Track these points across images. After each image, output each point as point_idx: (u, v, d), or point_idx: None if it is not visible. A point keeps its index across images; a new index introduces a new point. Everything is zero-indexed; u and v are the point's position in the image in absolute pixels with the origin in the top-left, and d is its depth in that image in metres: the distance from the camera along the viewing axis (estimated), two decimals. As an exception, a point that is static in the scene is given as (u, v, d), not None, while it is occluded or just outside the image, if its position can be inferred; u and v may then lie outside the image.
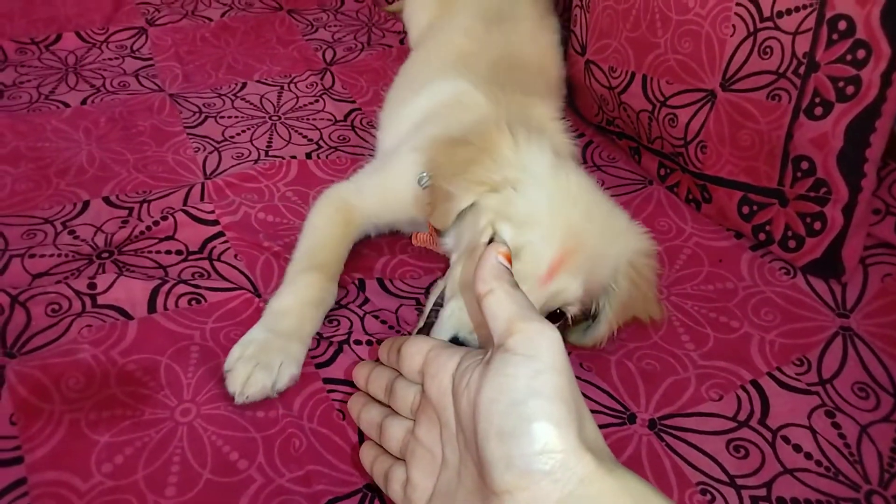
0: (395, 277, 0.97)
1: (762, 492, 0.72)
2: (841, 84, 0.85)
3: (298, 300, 0.84)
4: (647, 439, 0.76)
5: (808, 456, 0.75)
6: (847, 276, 0.91)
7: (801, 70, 0.87)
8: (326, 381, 0.81)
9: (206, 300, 0.87)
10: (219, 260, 0.95)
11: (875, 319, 0.88)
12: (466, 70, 1.00)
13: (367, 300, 0.93)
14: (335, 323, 0.88)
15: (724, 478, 0.73)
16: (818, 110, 0.87)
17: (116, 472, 0.69)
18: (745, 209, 0.96)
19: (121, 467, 0.69)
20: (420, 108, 1.00)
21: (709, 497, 0.71)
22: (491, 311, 0.50)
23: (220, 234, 0.98)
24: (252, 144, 1.17)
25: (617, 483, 0.44)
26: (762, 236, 0.96)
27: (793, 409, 0.79)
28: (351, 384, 0.80)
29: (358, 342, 0.86)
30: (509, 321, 0.48)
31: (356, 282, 0.95)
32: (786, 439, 0.77)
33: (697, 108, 0.97)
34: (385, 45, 1.45)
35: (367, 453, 0.63)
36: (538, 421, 0.44)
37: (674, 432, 0.77)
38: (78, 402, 0.74)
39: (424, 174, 0.84)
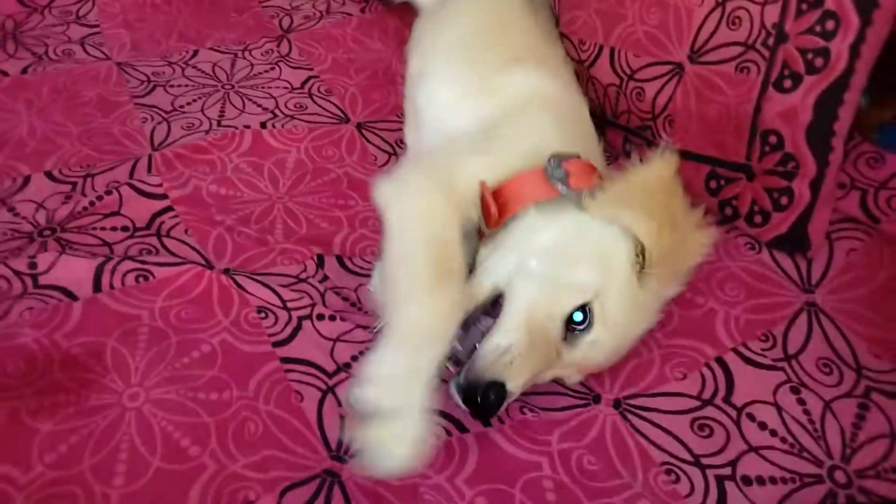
0: (354, 254, 0.93)
1: (727, 471, 0.71)
2: (810, 56, 0.83)
3: (436, 316, 0.69)
4: (611, 419, 0.75)
5: (773, 433, 0.75)
6: (813, 251, 0.90)
7: (770, 41, 0.85)
8: (284, 360, 0.77)
9: (154, 276, 0.83)
10: (168, 236, 0.91)
11: (840, 295, 0.88)
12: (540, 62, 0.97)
13: (326, 277, 0.90)
14: (295, 294, 0.85)
15: (689, 457, 0.73)
16: (787, 83, 0.85)
17: (60, 462, 0.65)
18: (713, 184, 0.95)
19: (65, 457, 0.66)
20: (500, 100, 0.91)
21: (673, 477, 0.71)
22: None
23: (169, 208, 0.94)
24: (203, 114, 1.12)
25: None
26: (728, 211, 0.95)
27: (758, 386, 0.79)
28: (311, 364, 0.78)
29: (321, 317, 0.83)
30: None
31: (315, 257, 0.91)
32: (751, 417, 0.76)
33: (665, 82, 0.95)
34: (345, 14, 1.40)
35: None
36: None
37: (638, 412, 0.76)
38: (18, 390, 0.70)
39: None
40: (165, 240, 0.90)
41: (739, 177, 0.92)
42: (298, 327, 0.81)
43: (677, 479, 0.70)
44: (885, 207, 0.92)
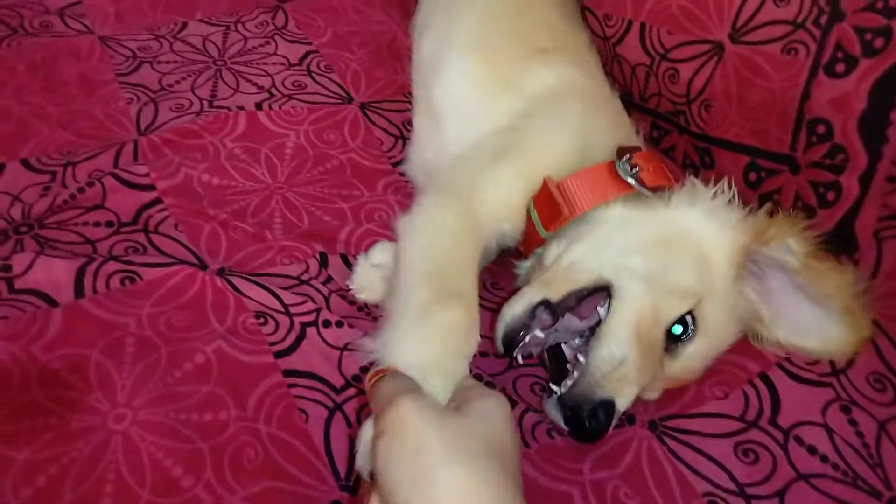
0: (361, 252, 0.86)
1: (774, 502, 0.65)
2: (868, 36, 0.75)
3: (437, 352, 0.61)
4: (647, 443, 0.69)
5: (824, 458, 0.68)
6: (860, 252, 0.83)
7: (823, 20, 0.77)
8: (287, 373, 0.71)
9: (141, 278, 0.75)
10: (156, 232, 0.83)
11: (891, 301, 0.80)
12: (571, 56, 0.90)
13: (330, 278, 0.83)
14: (297, 298, 0.77)
15: (733, 486, 0.66)
16: (840, 67, 0.77)
17: (38, 497, 0.58)
18: (752, 176, 0.87)
19: (44, 490, 0.59)
20: (525, 98, 0.84)
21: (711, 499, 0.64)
22: None
23: (157, 200, 0.86)
24: (194, 94, 1.02)
25: None
26: (771, 206, 0.87)
27: (805, 405, 0.72)
28: (317, 377, 0.71)
29: (326, 323, 0.76)
30: None
31: (317, 255, 0.84)
32: (799, 440, 0.70)
33: (703, 63, 0.86)
34: (345, -20, 1.30)
35: None
36: None
37: (676, 435, 0.70)
38: (-10, 412, 0.63)
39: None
40: (153, 236, 0.82)
41: (782, 169, 0.84)
42: (302, 335, 0.74)
43: (721, 509, 0.64)
44: (941, 204, 0.84)
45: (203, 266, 0.79)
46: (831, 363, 0.75)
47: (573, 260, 0.70)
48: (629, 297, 0.66)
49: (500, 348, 0.69)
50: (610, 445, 0.68)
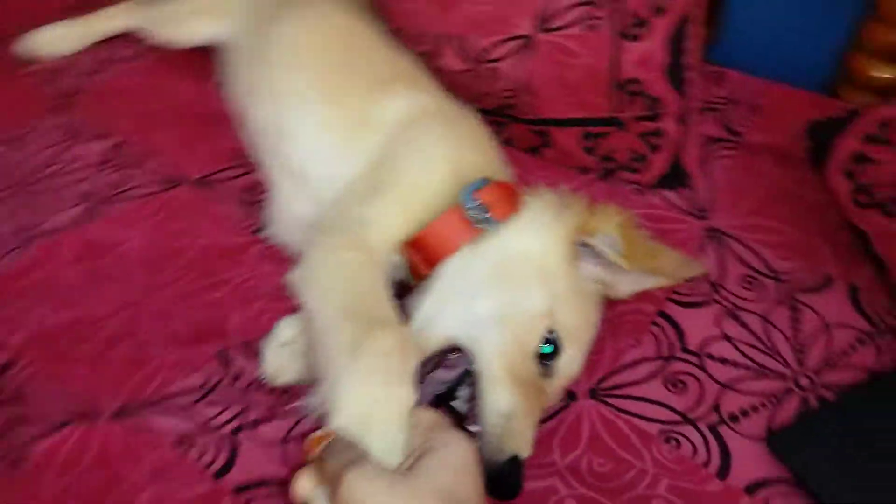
0: (259, 332, 0.80)
1: (714, 417, 0.73)
2: (653, -1, 0.85)
3: (380, 384, 0.59)
4: (595, 411, 0.73)
5: (735, 364, 0.77)
6: (694, 180, 0.94)
7: (610, -7, 0.86)
8: (239, 489, 0.66)
9: (29, 459, 0.67)
10: (21, 396, 0.73)
11: (732, 213, 0.92)
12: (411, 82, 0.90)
13: (240, 373, 0.78)
14: (212, 409, 0.73)
15: (677, 417, 0.73)
16: (637, 31, 0.86)
17: None
18: (588, 143, 0.95)
19: None
20: (383, 132, 0.82)
21: (673, 443, 0.71)
22: None
23: (10, 363, 0.76)
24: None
25: None
26: (609, 165, 0.96)
27: (703, 324, 0.81)
28: (268, 483, 0.67)
29: (256, 422, 0.72)
30: None
31: (216, 355, 0.78)
32: (710, 356, 0.78)
33: (518, 57, 0.92)
34: (132, 57, 1.21)
35: None
36: None
37: (615, 392, 0.75)
38: None
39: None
40: (23, 403, 0.72)
41: (611, 130, 0.93)
42: (235, 444, 0.70)
43: (678, 444, 0.71)
44: (741, 121, 0.98)
45: (93, 416, 0.71)
46: (710, 282, 0.85)
47: (420, 324, 0.69)
48: (489, 348, 0.66)
49: None
50: (565, 426, 0.72)
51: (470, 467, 0.54)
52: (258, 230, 0.94)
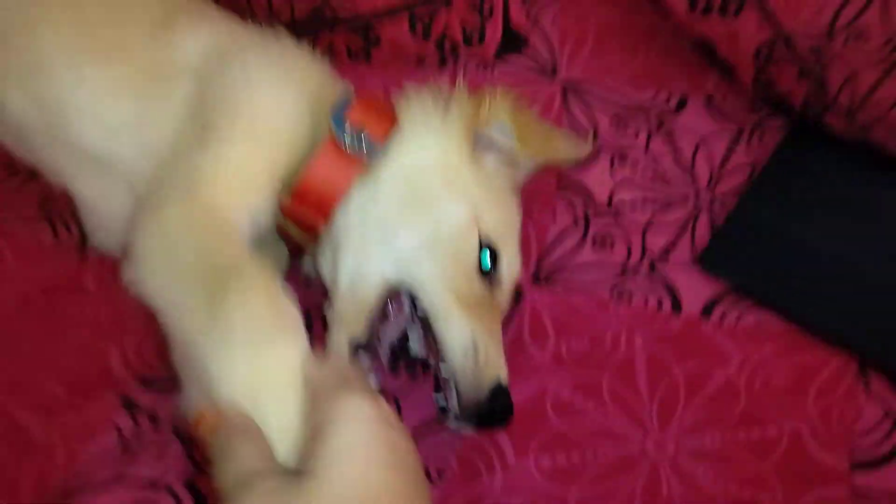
0: (150, 365, 0.67)
1: (647, 260, 0.75)
2: None
3: (257, 340, 0.48)
4: (548, 296, 0.72)
5: (643, 202, 0.79)
6: (531, 39, 0.90)
7: None
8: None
9: None
10: None
11: (577, 61, 0.89)
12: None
13: (155, 418, 0.64)
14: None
15: (619, 272, 0.74)
16: None
17: None
18: (418, 28, 0.86)
19: None
20: (190, 74, 0.65)
21: (626, 297, 0.72)
22: None
23: None
24: None
25: None
26: (448, 45, 0.89)
27: (602, 178, 0.81)
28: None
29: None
30: None
31: (118, 402, 0.65)
32: (622, 203, 0.79)
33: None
34: None
35: None
36: None
37: (556, 273, 0.74)
38: None
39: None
40: None
41: (439, 7, 0.85)
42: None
43: (630, 297, 0.72)
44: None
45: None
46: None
47: (350, 278, 0.62)
48: (430, 279, 0.61)
49: None
50: (528, 323, 0.70)
51: (378, 448, 0.43)
52: (82, 245, 0.76)
